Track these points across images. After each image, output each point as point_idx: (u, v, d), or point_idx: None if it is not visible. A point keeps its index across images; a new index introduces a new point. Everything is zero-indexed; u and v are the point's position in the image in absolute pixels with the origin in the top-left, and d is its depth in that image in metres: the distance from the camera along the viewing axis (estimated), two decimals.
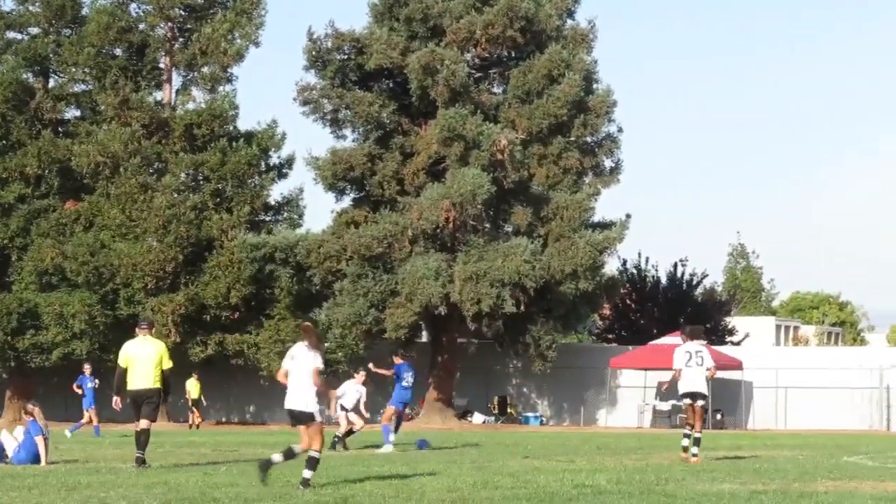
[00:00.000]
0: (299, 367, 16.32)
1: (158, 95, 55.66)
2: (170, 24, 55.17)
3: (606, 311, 65.58)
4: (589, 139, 53.50)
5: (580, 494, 15.29)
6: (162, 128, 54.00)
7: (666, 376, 53.81)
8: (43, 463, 21.64)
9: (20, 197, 53.97)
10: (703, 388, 23.35)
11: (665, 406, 52.54)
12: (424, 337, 56.88)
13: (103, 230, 53.03)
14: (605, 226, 52.73)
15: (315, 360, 16.25)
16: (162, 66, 55.59)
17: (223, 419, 55.45)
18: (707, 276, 66.87)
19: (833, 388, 52.10)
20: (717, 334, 61.90)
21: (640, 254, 66.03)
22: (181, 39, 55.51)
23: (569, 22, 54.08)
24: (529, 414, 55.59)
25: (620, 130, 54.19)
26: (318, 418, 16.33)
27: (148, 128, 53.53)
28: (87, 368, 39.93)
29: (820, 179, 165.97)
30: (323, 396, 16.86)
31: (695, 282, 65.57)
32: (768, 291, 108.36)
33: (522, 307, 49.20)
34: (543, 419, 55.54)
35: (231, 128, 54.87)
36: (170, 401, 21.13)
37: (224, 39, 53.65)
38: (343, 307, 50.08)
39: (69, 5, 55.29)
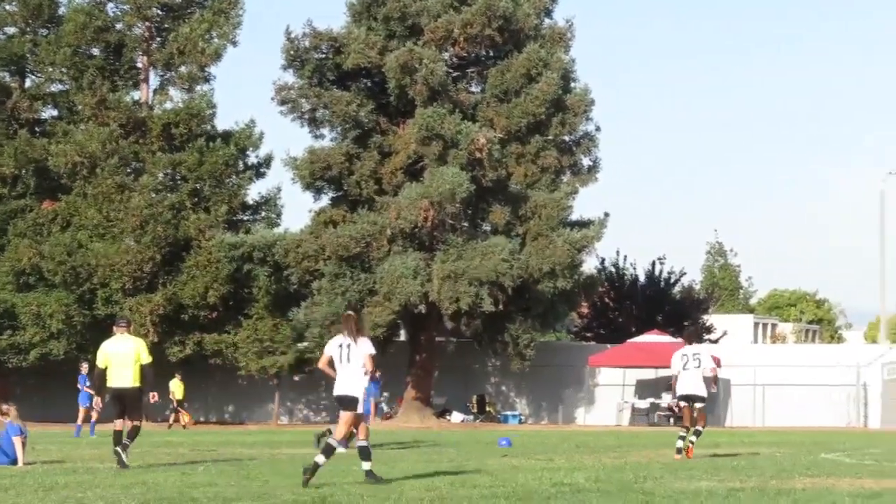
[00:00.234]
0: (352, 354, 16.82)
1: (136, 95, 55.62)
2: (147, 23, 55.07)
3: (585, 310, 65.59)
4: (567, 138, 53.60)
5: (559, 493, 15.29)
6: (139, 127, 53.89)
7: (643, 374, 54.32)
8: (20, 464, 21.55)
9: None
10: (699, 391, 23.70)
11: (643, 404, 52.57)
12: (403, 336, 56.84)
13: (80, 230, 52.89)
14: (583, 224, 52.82)
15: (368, 347, 16.91)
16: (139, 65, 55.51)
17: (201, 419, 55.36)
18: (685, 274, 67.03)
19: (811, 385, 52.29)
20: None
21: (618, 252, 66.11)
22: (158, 39, 55.41)
23: (547, 21, 54.21)
24: (508, 412, 55.62)
25: (598, 129, 54.43)
26: (361, 408, 16.85)
27: (125, 127, 53.43)
28: (84, 367, 39.96)
29: (798, 178, 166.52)
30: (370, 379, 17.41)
31: (673, 280, 65.64)
32: (746, 289, 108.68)
33: (501, 306, 49.26)
34: (522, 418, 55.57)
35: (209, 127, 54.83)
36: (157, 398, 21.00)
37: (202, 39, 53.59)
38: (321, 306, 50.04)
39: (46, 5, 55.17)
